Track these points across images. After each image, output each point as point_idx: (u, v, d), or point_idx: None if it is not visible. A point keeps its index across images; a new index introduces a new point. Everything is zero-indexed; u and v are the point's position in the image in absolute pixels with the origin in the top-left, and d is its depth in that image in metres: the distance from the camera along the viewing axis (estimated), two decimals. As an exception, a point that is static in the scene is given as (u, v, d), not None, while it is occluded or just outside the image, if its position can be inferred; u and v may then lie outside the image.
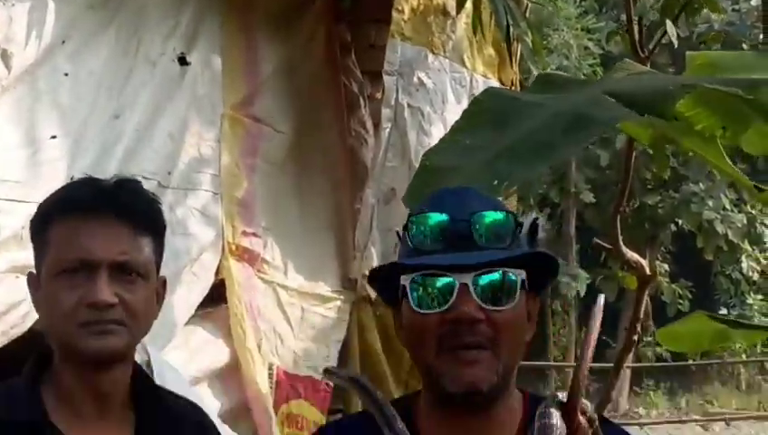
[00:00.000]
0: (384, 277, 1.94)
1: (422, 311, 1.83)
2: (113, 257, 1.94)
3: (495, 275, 1.82)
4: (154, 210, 2.08)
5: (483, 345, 1.82)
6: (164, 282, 2.08)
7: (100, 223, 1.96)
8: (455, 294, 1.80)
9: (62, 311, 1.94)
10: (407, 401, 2.02)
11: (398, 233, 1.95)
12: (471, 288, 1.80)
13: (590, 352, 1.80)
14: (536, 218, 1.96)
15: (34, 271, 2.02)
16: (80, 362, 1.98)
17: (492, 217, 1.86)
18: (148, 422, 2.08)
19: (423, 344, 1.85)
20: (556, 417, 1.75)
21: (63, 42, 3.22)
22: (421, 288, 1.83)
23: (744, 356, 24.91)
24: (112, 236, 1.97)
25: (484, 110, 2.66)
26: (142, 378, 2.12)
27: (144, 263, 2.01)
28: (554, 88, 2.79)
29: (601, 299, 1.86)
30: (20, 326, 2.84)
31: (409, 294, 1.84)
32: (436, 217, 1.85)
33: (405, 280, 1.85)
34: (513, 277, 1.84)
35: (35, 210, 2.05)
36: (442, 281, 1.82)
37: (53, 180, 2.90)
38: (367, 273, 4.05)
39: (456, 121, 2.68)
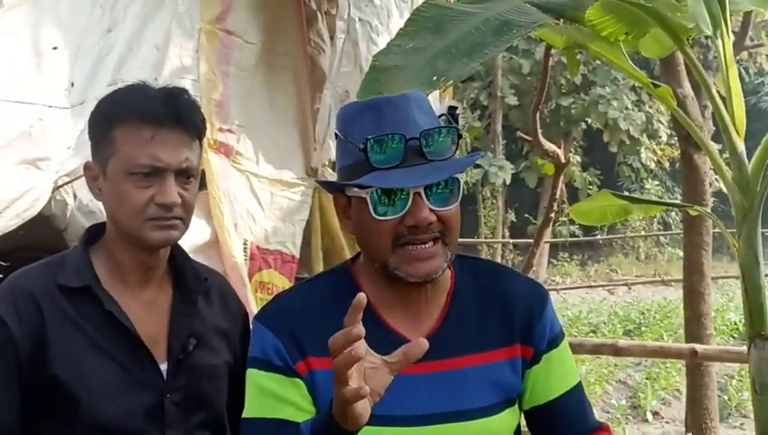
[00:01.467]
0: (337, 185, 2.01)
1: (381, 217, 1.90)
2: (179, 164, 2.05)
3: (443, 183, 1.90)
4: (203, 120, 2.17)
5: (436, 238, 1.92)
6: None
7: (170, 134, 2.04)
8: (410, 202, 1.88)
9: (132, 206, 2.03)
10: (349, 270, 2.11)
11: (342, 139, 1.99)
12: (423, 196, 1.89)
13: None
14: (453, 107, 2.03)
15: (93, 162, 2.11)
16: (140, 247, 2.10)
17: (436, 133, 1.91)
18: (184, 286, 2.20)
19: (380, 243, 1.93)
20: None
21: None
22: (380, 199, 1.89)
23: (642, 232, 27.78)
24: (178, 145, 2.05)
25: (424, 18, 2.69)
26: (180, 252, 2.22)
27: (197, 166, 2.13)
28: None
29: None
30: (30, 210, 2.92)
31: (370, 205, 1.89)
32: (390, 140, 1.88)
33: (366, 193, 1.90)
34: (457, 182, 1.93)
35: (95, 109, 2.13)
36: (398, 192, 1.88)
37: (56, 85, 3.01)
38: (327, 162, 4.23)
39: (401, 28, 2.71)
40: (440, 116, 1.99)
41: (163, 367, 2.11)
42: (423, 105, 2.00)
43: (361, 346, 1.63)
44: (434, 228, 1.91)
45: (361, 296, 1.64)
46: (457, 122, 2.00)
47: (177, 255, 2.20)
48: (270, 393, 1.94)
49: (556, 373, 2.10)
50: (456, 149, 1.96)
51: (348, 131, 1.96)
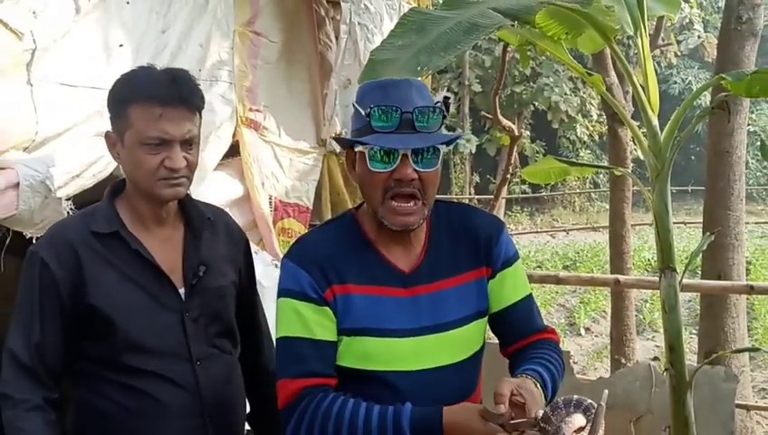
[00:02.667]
0: (348, 141, 2.01)
1: (376, 170, 1.91)
2: (182, 136, 2.02)
3: (426, 150, 1.91)
4: (201, 96, 2.13)
5: (415, 195, 1.92)
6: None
7: (175, 111, 2.01)
8: (398, 160, 1.89)
9: (146, 169, 2.01)
10: (353, 215, 2.10)
11: (356, 108, 1.97)
12: (410, 157, 1.90)
13: None
14: (447, 97, 2.00)
15: (112, 132, 2.08)
16: (154, 200, 2.08)
17: (428, 111, 1.92)
18: (192, 224, 2.18)
19: (373, 191, 1.94)
20: None
21: None
22: (377, 155, 1.90)
23: (577, 190, 28.37)
24: (182, 120, 2.03)
25: (409, 21, 2.68)
26: (187, 198, 2.19)
27: (198, 134, 2.09)
28: (456, 6, 2.82)
29: (605, 393, 1.85)
30: (103, 172, 2.93)
31: (368, 158, 1.91)
32: (390, 109, 1.89)
33: (365, 148, 1.91)
34: (438, 152, 1.93)
35: (113, 88, 2.09)
36: (391, 152, 1.90)
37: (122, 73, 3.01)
38: (333, 135, 4.20)
39: (391, 30, 2.67)
40: (436, 102, 1.97)
41: (181, 291, 2.10)
42: (422, 90, 1.99)
43: None
44: (415, 185, 1.91)
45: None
46: (449, 109, 2.00)
47: (185, 201, 2.17)
48: (307, 319, 1.93)
49: (509, 286, 2.11)
50: (441, 126, 1.96)
51: (360, 102, 1.97)
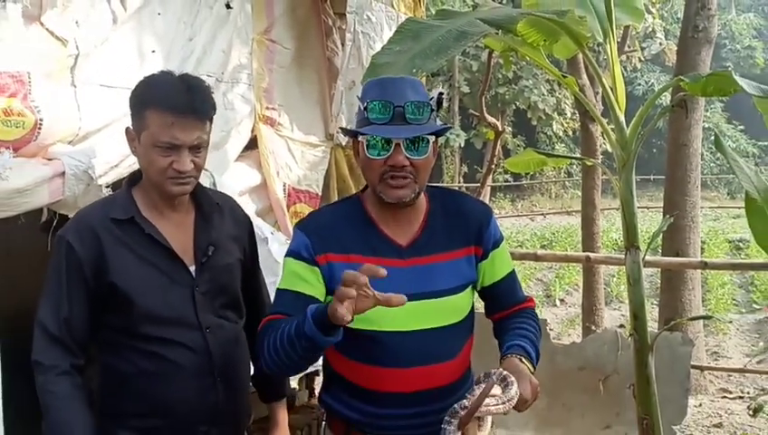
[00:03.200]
0: (351, 131, 2.01)
1: (373, 157, 1.92)
2: (191, 142, 1.99)
3: (418, 139, 1.91)
4: (213, 104, 2.09)
5: (407, 177, 1.92)
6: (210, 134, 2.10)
7: (186, 120, 1.97)
8: (392, 149, 1.90)
9: (157, 168, 1.99)
10: (359, 198, 2.11)
11: (359, 103, 1.99)
12: (402, 146, 1.90)
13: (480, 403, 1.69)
14: (441, 93, 2.01)
15: (131, 128, 2.06)
16: (166, 196, 2.07)
17: (419, 105, 1.92)
18: (203, 208, 2.17)
19: (371, 175, 1.95)
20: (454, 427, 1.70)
21: None
22: (374, 144, 1.91)
23: (554, 178, 28.63)
24: (192, 128, 1.99)
25: (406, 30, 2.67)
26: (199, 185, 2.16)
27: (207, 139, 2.06)
28: (447, 16, 2.82)
29: (499, 371, 1.81)
30: (135, 164, 2.91)
31: (366, 147, 1.92)
32: (384, 104, 1.90)
33: (364, 138, 1.92)
34: (427, 140, 1.93)
35: (134, 90, 2.06)
36: (386, 141, 1.91)
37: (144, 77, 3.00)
38: (339, 130, 4.19)
39: (390, 38, 2.68)
40: (430, 98, 1.98)
41: (192, 268, 2.09)
42: (416, 87, 1.98)
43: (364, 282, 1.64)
44: (407, 171, 1.92)
45: (381, 272, 1.65)
46: (442, 104, 2.01)
47: (195, 189, 2.14)
48: (295, 274, 1.97)
49: (497, 264, 2.12)
50: (429, 119, 1.96)
51: (362, 97, 1.98)
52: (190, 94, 2.01)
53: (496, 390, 1.73)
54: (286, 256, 2.03)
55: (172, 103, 1.97)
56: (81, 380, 2.02)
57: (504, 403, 1.71)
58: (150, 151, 2.00)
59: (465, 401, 1.69)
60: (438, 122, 2.03)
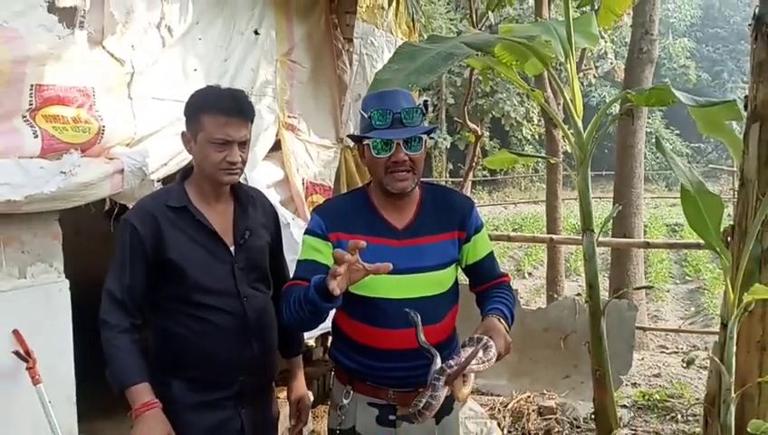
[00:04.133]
0: (357, 137, 2.00)
1: (378, 156, 1.93)
2: (240, 138, 2.01)
3: (413, 139, 1.91)
4: (253, 109, 2.10)
5: (407, 170, 1.93)
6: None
7: (235, 120, 1.99)
8: (393, 149, 1.91)
9: (212, 161, 2.00)
10: (365, 189, 2.11)
11: (361, 113, 1.99)
12: (402, 145, 1.91)
13: (467, 363, 1.66)
14: (426, 100, 2.00)
15: (187, 132, 2.06)
16: (216, 183, 2.06)
17: (412, 111, 1.93)
18: (241, 200, 2.16)
19: (378, 171, 1.95)
20: (441, 387, 1.66)
21: (198, 22, 3.17)
22: (378, 145, 1.91)
23: (524, 174, 28.17)
24: (240, 127, 2.01)
25: (403, 52, 2.66)
26: (237, 183, 2.17)
27: (249, 138, 2.07)
28: (437, 41, 2.80)
29: (485, 339, 1.76)
30: (184, 161, 2.88)
31: (372, 148, 1.92)
32: (385, 111, 1.91)
33: (369, 141, 1.92)
34: (421, 139, 1.94)
35: (189, 100, 2.07)
36: (388, 142, 1.91)
37: (196, 90, 3.01)
38: (348, 136, 4.21)
39: (390, 58, 2.70)
40: (419, 105, 1.98)
41: (232, 249, 2.09)
42: (407, 97, 1.99)
43: (354, 257, 1.67)
44: (407, 165, 1.93)
45: (361, 244, 1.66)
46: (428, 109, 2.01)
47: (234, 184, 2.15)
48: (311, 247, 1.98)
49: (478, 247, 2.11)
50: (422, 121, 1.96)
51: (364, 108, 1.98)
52: (236, 100, 2.03)
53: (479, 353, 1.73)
54: (304, 233, 2.03)
55: (224, 107, 1.99)
56: (139, 336, 2.02)
57: (484, 363, 1.71)
58: (207, 148, 2.00)
59: (451, 362, 1.68)
60: (427, 124, 2.02)
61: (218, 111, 1.98)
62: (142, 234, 2.00)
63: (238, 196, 2.17)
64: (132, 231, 2.00)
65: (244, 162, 2.06)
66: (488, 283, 2.15)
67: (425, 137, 1.97)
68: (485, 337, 1.79)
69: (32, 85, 2.41)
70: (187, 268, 2.01)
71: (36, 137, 2.43)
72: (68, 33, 2.54)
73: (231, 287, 2.08)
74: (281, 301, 1.95)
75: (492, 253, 2.17)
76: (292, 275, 2.06)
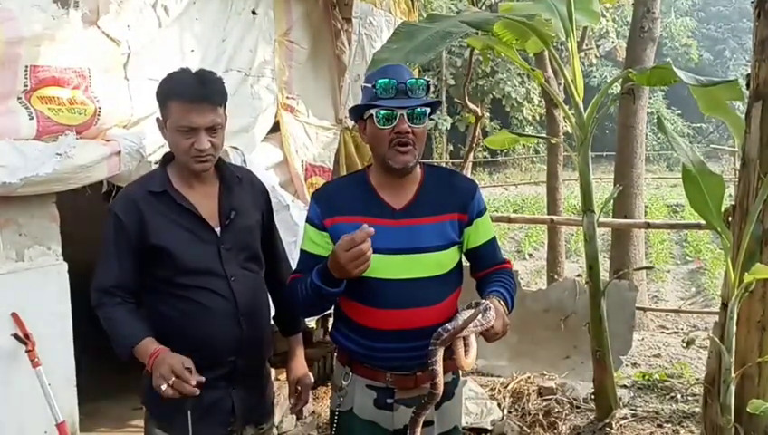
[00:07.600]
0: (359, 110, 1.98)
1: (382, 127, 1.90)
2: (206, 124, 1.97)
3: (416, 110, 1.89)
4: (224, 91, 2.06)
5: (410, 143, 1.91)
6: (225, 118, 2.08)
7: (200, 106, 1.96)
8: (397, 119, 1.88)
9: (181, 148, 1.99)
10: (364, 171, 2.09)
11: (365, 87, 1.98)
12: (405, 116, 1.88)
13: (465, 326, 1.68)
14: (427, 81, 1.96)
15: (161, 117, 2.04)
16: (189, 170, 2.04)
17: (416, 82, 1.92)
18: (226, 180, 2.15)
19: (381, 143, 1.92)
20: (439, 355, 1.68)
21: (194, 2, 3.16)
22: (381, 116, 1.89)
23: (524, 154, 27.90)
24: (206, 112, 1.97)
25: (401, 32, 2.68)
26: (220, 161, 2.15)
27: (221, 121, 2.02)
28: (435, 20, 2.81)
29: (484, 303, 1.78)
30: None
31: (375, 118, 1.90)
32: (390, 81, 1.90)
33: (373, 111, 1.90)
34: (424, 112, 1.91)
35: (159, 85, 2.03)
36: (392, 113, 1.89)
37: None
38: (347, 115, 4.18)
39: (388, 38, 2.72)
40: (427, 88, 1.96)
41: (217, 230, 2.08)
42: (410, 72, 2.00)
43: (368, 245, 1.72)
44: (410, 138, 1.91)
45: (370, 230, 1.71)
46: (429, 89, 1.99)
47: (219, 164, 2.13)
48: (310, 239, 2.01)
49: (480, 231, 2.09)
50: (426, 94, 1.95)
51: (368, 80, 1.97)
52: (203, 85, 2.00)
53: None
54: (306, 221, 2.05)
55: (188, 93, 1.96)
56: (134, 306, 2.05)
57: (481, 325, 1.72)
58: (174, 135, 1.99)
59: (448, 325, 1.69)
60: (429, 97, 2.00)
61: (183, 97, 1.96)
62: (125, 222, 2.01)
63: (223, 176, 2.16)
64: (116, 221, 2.02)
65: (216, 148, 2.04)
66: (489, 268, 2.14)
67: (428, 111, 1.95)
68: (485, 301, 1.80)
69: (26, 66, 2.40)
70: (173, 251, 2.02)
71: (32, 119, 2.41)
72: (62, 13, 2.51)
73: (216, 268, 2.07)
74: (292, 297, 1.99)
75: (494, 238, 2.15)
76: (295, 263, 2.09)
